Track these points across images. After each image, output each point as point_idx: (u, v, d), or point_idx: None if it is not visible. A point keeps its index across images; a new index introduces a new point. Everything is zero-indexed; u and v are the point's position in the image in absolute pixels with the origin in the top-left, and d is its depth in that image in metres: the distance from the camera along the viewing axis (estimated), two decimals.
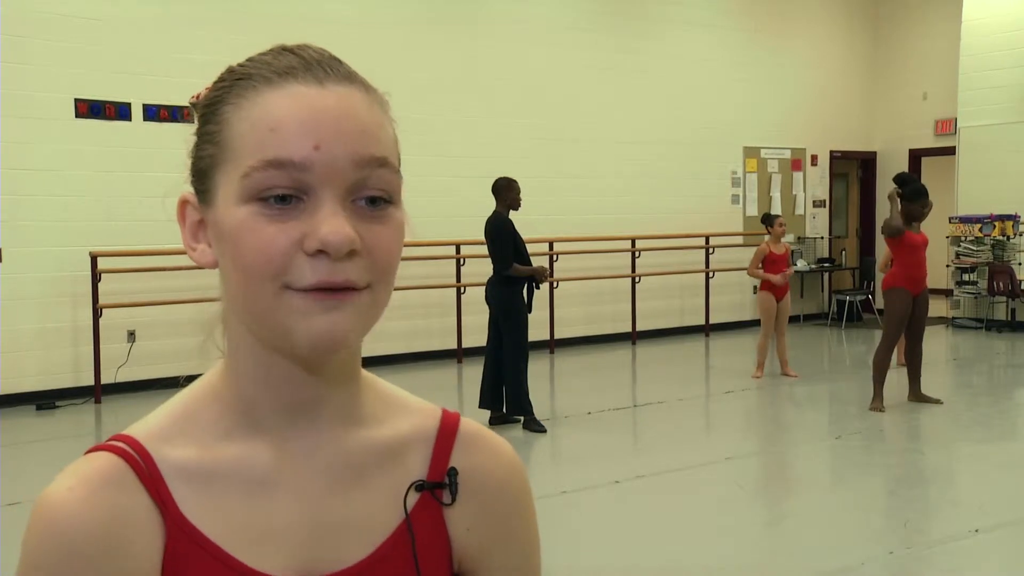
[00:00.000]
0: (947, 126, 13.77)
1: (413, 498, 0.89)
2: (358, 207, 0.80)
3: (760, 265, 9.28)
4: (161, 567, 0.82)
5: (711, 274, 12.71)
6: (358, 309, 0.80)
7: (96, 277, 8.52)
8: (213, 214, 0.82)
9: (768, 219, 9.54)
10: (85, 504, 0.80)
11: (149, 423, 0.87)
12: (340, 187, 0.79)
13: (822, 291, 14.41)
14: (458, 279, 10.56)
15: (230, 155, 0.81)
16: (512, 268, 7.21)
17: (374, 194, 0.81)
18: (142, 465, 0.83)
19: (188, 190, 0.86)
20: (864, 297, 13.72)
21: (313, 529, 0.86)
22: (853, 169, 15.15)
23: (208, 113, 0.84)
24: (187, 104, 0.89)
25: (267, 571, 0.84)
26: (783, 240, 9.48)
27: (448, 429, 0.93)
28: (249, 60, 0.85)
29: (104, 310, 8.59)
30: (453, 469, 0.91)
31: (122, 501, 0.82)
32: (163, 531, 0.82)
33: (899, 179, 7.92)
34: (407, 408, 0.93)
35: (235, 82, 0.83)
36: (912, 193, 7.77)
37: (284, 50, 0.84)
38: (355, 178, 0.80)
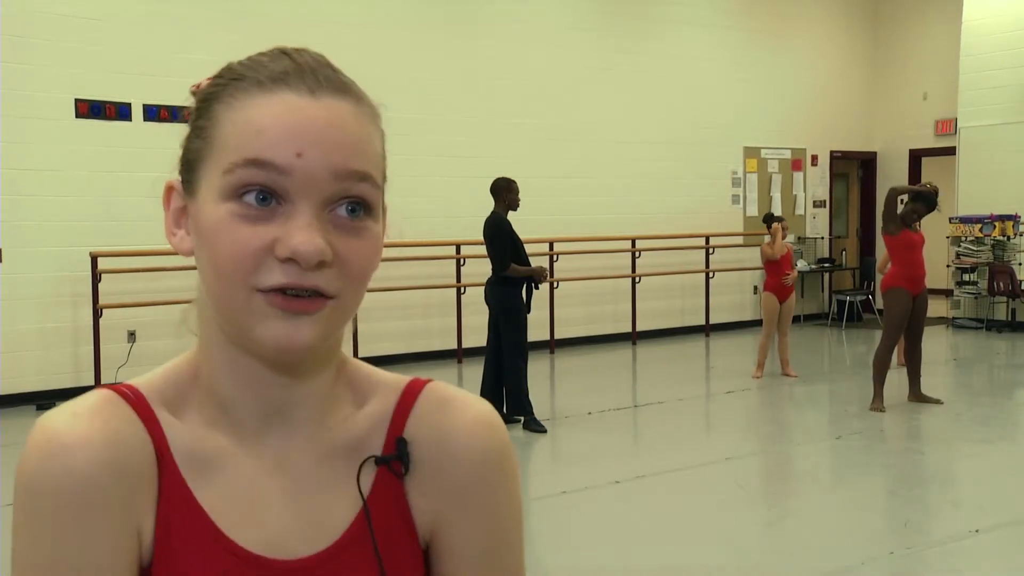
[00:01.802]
0: (947, 126, 13.77)
1: (371, 476, 0.89)
2: (336, 216, 0.81)
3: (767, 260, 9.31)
4: (156, 519, 0.83)
5: (711, 274, 12.71)
6: (322, 319, 0.81)
7: (96, 277, 8.52)
8: (195, 206, 0.84)
9: (769, 220, 9.55)
10: (91, 428, 0.82)
11: (150, 381, 0.89)
12: (318, 197, 0.80)
13: (822, 291, 14.41)
14: (458, 279, 10.56)
15: (215, 151, 0.82)
16: (510, 268, 7.21)
17: (353, 209, 0.81)
18: (139, 406, 0.86)
19: (175, 177, 0.88)
20: (864, 297, 13.72)
21: (286, 517, 0.87)
22: (853, 169, 15.15)
23: (201, 108, 0.86)
24: (189, 93, 0.90)
25: (243, 544, 0.85)
26: (784, 241, 9.47)
27: (408, 398, 0.92)
28: (248, 59, 0.86)
29: (104, 310, 8.59)
30: (402, 439, 0.89)
31: (125, 429, 0.84)
32: (158, 479, 0.84)
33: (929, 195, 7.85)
34: (377, 388, 0.93)
35: (231, 81, 0.84)
36: (915, 194, 7.80)
37: (282, 53, 0.85)
38: (333, 190, 0.81)
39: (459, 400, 0.92)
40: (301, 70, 0.83)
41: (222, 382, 0.87)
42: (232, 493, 0.86)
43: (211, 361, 0.87)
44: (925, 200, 7.77)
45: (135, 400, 0.86)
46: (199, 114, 0.86)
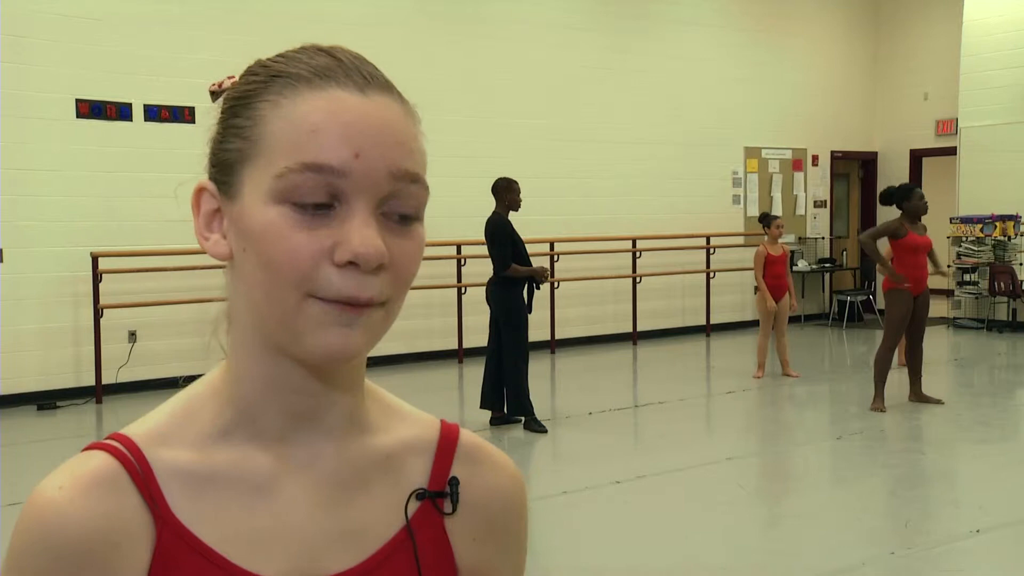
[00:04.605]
0: (948, 126, 13.76)
1: (413, 506, 0.89)
2: (388, 218, 0.80)
3: (762, 270, 9.27)
4: (149, 569, 0.81)
5: (712, 274, 12.71)
6: (372, 325, 0.81)
7: (97, 277, 8.52)
8: (237, 208, 0.81)
9: (766, 219, 9.52)
10: (74, 504, 0.80)
11: (147, 423, 0.86)
12: (373, 197, 0.79)
13: (823, 291, 14.41)
14: (459, 279, 10.56)
15: (263, 152, 0.79)
16: (511, 269, 7.21)
17: (405, 212, 0.81)
18: (135, 466, 0.82)
19: (205, 179, 0.85)
20: (865, 297, 13.72)
21: (311, 534, 0.85)
22: (854, 169, 15.15)
23: (238, 107, 0.82)
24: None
25: (262, 573, 0.83)
26: (780, 241, 9.46)
27: (448, 440, 0.93)
28: (280, 56, 0.83)
29: (105, 310, 8.59)
30: (455, 478, 0.91)
31: (112, 502, 0.81)
32: (153, 533, 0.82)
33: (883, 196, 7.96)
34: (406, 418, 0.93)
35: (271, 78, 0.81)
36: (901, 194, 7.81)
37: (319, 50, 0.83)
38: (389, 190, 0.79)
39: (495, 453, 0.96)
40: (345, 66, 0.81)
41: (249, 387, 0.85)
42: (246, 515, 0.84)
43: (240, 366, 0.85)
44: (904, 189, 7.84)
45: (129, 460, 0.83)
46: (234, 113, 0.82)
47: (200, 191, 0.85)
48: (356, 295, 0.78)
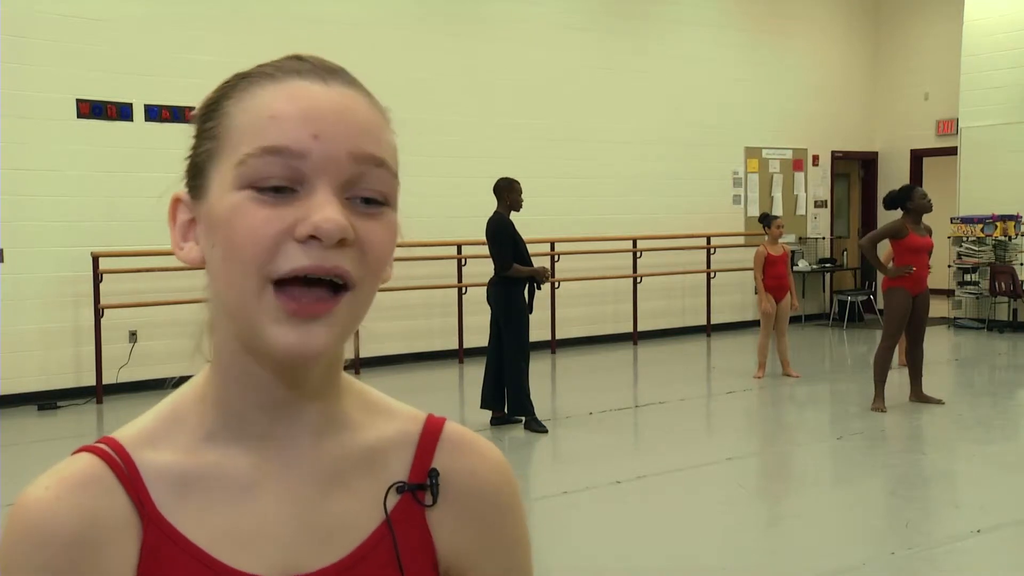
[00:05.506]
0: (949, 126, 13.76)
1: (394, 500, 0.89)
2: (353, 203, 0.80)
3: (762, 271, 9.26)
4: (136, 568, 0.82)
5: (712, 274, 12.71)
6: (337, 319, 0.80)
7: (98, 277, 8.53)
8: (205, 207, 0.82)
9: (766, 219, 9.52)
10: (60, 503, 0.81)
11: (135, 426, 0.88)
12: (336, 179, 0.79)
13: (823, 291, 14.41)
14: (459, 279, 10.56)
15: (227, 145, 0.81)
16: (512, 269, 7.21)
17: (369, 195, 0.80)
18: (122, 467, 0.84)
19: (181, 190, 0.86)
20: (865, 297, 13.72)
21: (294, 531, 0.86)
22: (854, 169, 15.15)
23: (209, 112, 0.84)
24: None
25: (247, 570, 0.84)
26: (781, 241, 9.45)
27: (431, 432, 0.93)
28: (257, 66, 0.86)
29: (106, 310, 8.59)
30: (434, 470, 0.90)
31: (99, 501, 0.82)
32: (140, 532, 0.83)
33: (886, 201, 7.98)
34: (391, 413, 0.93)
35: (239, 80, 0.84)
36: (903, 195, 7.81)
37: (292, 56, 0.85)
38: (352, 173, 0.79)
39: (479, 442, 0.95)
40: (313, 66, 0.83)
41: (230, 388, 0.86)
42: (231, 514, 0.85)
43: (221, 368, 0.86)
44: (905, 191, 7.85)
45: (115, 461, 0.84)
46: (206, 118, 0.84)
47: (176, 202, 0.86)
48: (320, 264, 0.77)
